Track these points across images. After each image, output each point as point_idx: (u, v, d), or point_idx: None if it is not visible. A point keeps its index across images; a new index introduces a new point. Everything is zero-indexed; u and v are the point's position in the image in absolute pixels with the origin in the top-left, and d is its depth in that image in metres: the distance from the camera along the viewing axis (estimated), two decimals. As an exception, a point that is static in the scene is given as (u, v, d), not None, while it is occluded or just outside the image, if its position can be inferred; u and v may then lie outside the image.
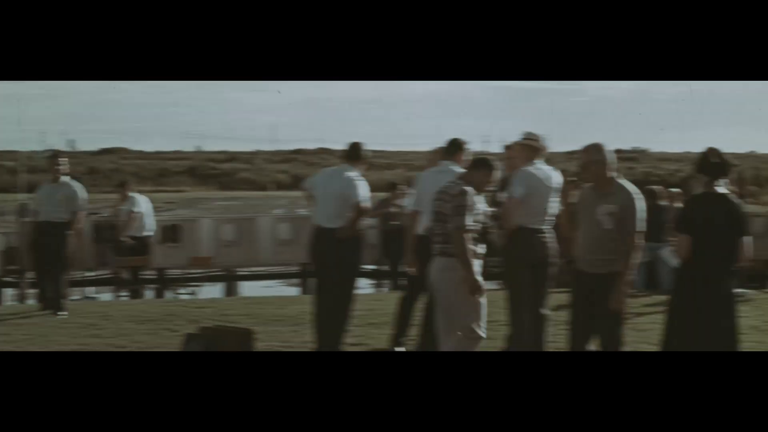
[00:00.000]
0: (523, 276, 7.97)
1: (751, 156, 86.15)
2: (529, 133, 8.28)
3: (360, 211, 8.71)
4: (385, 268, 17.53)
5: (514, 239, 7.97)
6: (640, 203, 7.19)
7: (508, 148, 8.86)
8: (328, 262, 8.79)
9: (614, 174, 7.27)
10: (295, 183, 56.66)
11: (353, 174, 8.81)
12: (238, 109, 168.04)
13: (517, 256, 7.97)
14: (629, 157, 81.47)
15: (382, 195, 17.03)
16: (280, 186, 62.94)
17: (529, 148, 8.16)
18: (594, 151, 7.24)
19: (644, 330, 10.07)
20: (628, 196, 7.18)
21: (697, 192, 7.42)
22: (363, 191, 8.74)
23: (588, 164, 7.26)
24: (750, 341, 9.64)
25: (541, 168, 8.08)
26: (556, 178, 8.17)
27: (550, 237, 8.12)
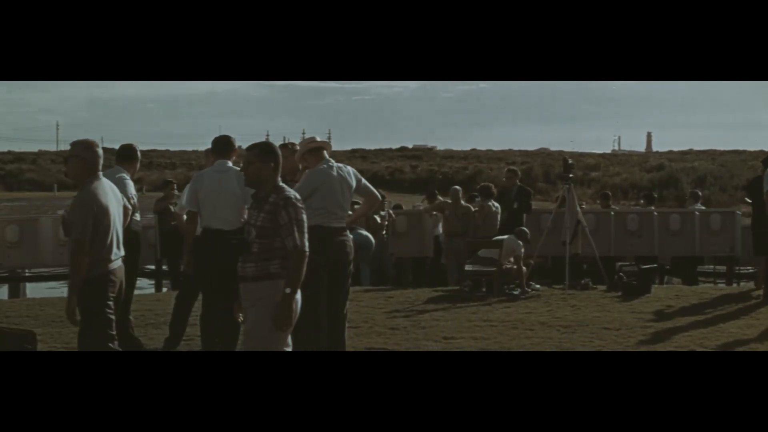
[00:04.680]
0: (319, 276, 7.91)
1: (542, 153, 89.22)
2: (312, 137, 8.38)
3: (126, 210, 8.69)
4: (164, 268, 17.67)
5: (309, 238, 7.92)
6: (87, 208, 6.67)
7: (283, 147, 9.06)
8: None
9: (100, 172, 6.89)
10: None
11: (121, 175, 8.93)
12: (22, 110, 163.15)
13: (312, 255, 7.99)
14: (413, 155, 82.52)
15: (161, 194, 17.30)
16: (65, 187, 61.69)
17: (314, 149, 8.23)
18: (79, 147, 6.85)
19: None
20: (79, 199, 6.72)
21: None
22: (129, 190, 8.78)
23: (69, 159, 6.87)
24: (537, 337, 10.27)
25: (333, 166, 8.16)
26: (350, 175, 8.20)
27: (346, 236, 8.18)
